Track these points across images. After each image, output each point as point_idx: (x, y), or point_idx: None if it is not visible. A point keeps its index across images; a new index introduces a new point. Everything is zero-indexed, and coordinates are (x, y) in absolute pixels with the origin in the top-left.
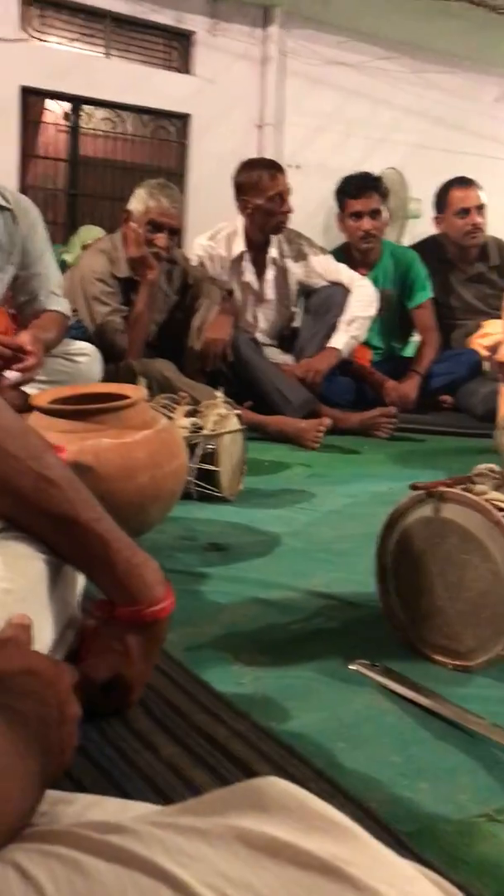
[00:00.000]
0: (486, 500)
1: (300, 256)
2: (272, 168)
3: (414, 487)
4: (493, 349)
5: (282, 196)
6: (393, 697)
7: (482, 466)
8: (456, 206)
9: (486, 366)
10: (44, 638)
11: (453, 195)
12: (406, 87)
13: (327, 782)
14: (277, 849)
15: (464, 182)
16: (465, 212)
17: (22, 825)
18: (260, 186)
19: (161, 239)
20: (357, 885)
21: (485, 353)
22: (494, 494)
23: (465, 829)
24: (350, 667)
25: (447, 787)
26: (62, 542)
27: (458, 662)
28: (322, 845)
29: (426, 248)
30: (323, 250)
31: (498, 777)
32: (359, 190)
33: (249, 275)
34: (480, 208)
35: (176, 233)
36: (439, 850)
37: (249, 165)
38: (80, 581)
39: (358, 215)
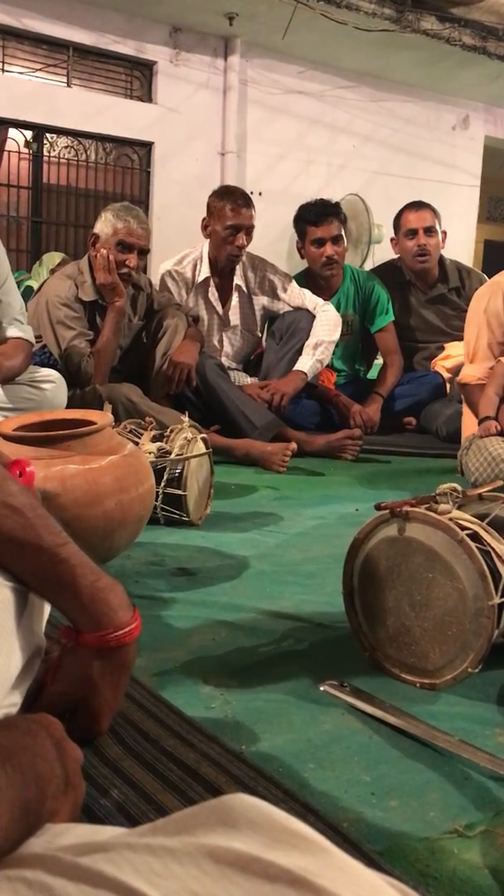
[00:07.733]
0: (450, 519)
1: (264, 282)
2: (238, 200)
3: (378, 507)
4: (455, 371)
5: (237, 229)
6: (362, 717)
7: (445, 486)
8: (405, 228)
9: (449, 388)
10: (10, 667)
11: (405, 217)
12: (365, 115)
13: (298, 803)
14: (246, 863)
15: (416, 205)
16: (413, 233)
17: (8, 848)
18: (220, 214)
19: (132, 259)
20: (325, 895)
21: (447, 375)
22: (457, 513)
23: (435, 845)
24: (320, 688)
25: (417, 804)
26: (26, 568)
27: (425, 680)
28: (290, 858)
29: (384, 271)
30: (286, 276)
31: (467, 793)
32: (319, 217)
33: (214, 300)
34: (429, 230)
35: (144, 253)
36: (410, 868)
37: (221, 192)
38: (46, 609)
39: (320, 241)
